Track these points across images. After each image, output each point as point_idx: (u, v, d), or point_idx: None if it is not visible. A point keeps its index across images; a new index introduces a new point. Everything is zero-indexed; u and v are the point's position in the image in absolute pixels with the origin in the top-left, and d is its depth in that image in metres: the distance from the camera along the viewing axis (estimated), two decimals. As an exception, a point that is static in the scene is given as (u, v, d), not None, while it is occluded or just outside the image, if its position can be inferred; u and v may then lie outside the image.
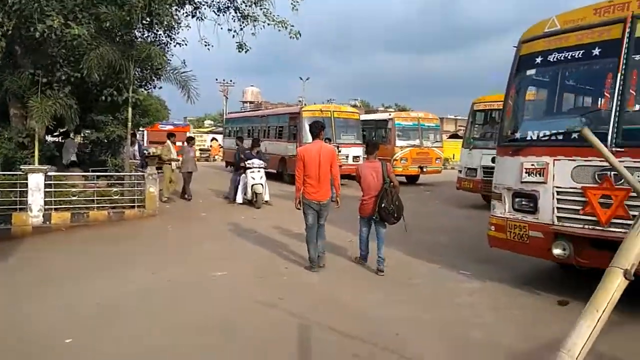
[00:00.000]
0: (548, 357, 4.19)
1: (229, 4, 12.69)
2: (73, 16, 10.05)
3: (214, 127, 58.19)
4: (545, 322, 4.97)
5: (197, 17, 12.93)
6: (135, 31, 11.66)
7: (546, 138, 5.55)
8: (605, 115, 5.10)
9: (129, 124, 11.95)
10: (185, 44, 13.14)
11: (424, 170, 19.76)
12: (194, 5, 12.76)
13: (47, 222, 9.77)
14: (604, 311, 1.61)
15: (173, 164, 13.77)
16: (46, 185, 9.84)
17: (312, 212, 6.75)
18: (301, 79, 58.67)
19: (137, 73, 12.10)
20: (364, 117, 22.29)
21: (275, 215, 11.38)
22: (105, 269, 6.87)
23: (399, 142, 19.47)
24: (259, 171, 12.87)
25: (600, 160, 4.86)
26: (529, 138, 5.75)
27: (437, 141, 20.83)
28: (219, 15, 12.74)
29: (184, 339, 4.51)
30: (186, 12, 12.79)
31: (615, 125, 4.85)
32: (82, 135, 18.42)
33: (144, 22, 11.25)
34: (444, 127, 33.40)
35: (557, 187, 5.32)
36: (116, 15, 10.29)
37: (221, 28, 12.80)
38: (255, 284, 6.26)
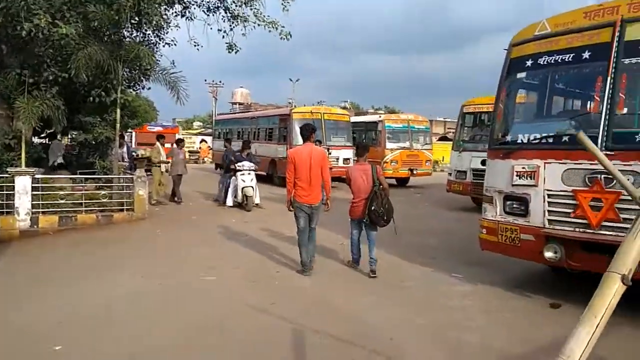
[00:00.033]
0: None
1: (219, 4, 12.64)
2: (61, 15, 9.94)
3: (203, 129, 57.93)
4: (537, 325, 4.98)
5: (187, 17, 12.87)
6: (124, 31, 11.55)
7: (537, 141, 5.57)
8: (595, 119, 5.14)
9: (118, 125, 11.83)
10: (175, 44, 13.08)
11: (414, 172, 19.79)
12: (184, 4, 12.68)
13: (35, 226, 9.63)
14: (602, 317, 1.60)
15: (162, 166, 13.66)
16: (33, 188, 9.69)
17: (304, 215, 6.73)
18: (291, 80, 58.86)
19: (125, 73, 11.99)
20: (354, 119, 22.32)
21: (266, 218, 11.33)
22: (94, 273, 6.77)
23: (389, 145, 19.51)
24: (249, 174, 12.81)
25: (591, 163, 4.90)
26: (519, 141, 5.78)
27: (427, 143, 20.90)
28: (208, 15, 12.70)
29: (174, 344, 4.45)
30: (175, 12, 12.73)
31: (606, 128, 4.88)
32: (70, 136, 18.21)
33: (133, 21, 11.16)
34: (433, 129, 33.46)
35: (547, 190, 5.34)
36: (105, 15, 10.19)
37: (211, 28, 12.75)
38: (247, 287, 6.21)
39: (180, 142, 14.86)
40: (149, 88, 13.89)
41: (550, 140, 5.47)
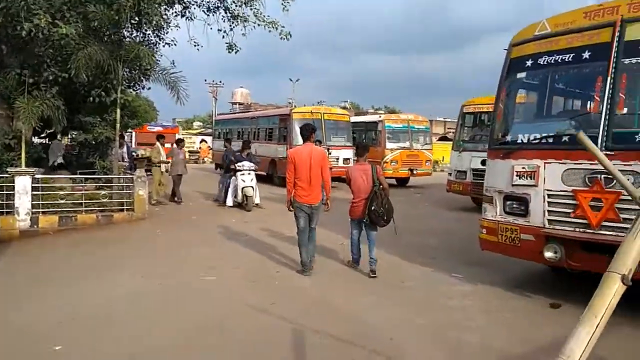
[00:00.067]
0: (541, 361, 4.24)
1: (219, 4, 12.64)
2: (60, 15, 9.94)
3: (203, 129, 57.92)
4: (537, 325, 4.98)
5: (187, 17, 12.87)
6: (124, 31, 11.55)
7: (537, 141, 5.57)
8: (595, 119, 5.14)
9: (118, 125, 11.83)
10: (175, 44, 13.08)
11: (414, 172, 19.79)
12: (184, 4, 12.68)
13: (35, 226, 9.63)
14: (602, 317, 1.60)
15: (162, 166, 13.66)
16: (33, 188, 9.69)
17: (304, 215, 6.73)
18: (291, 80, 58.78)
19: (125, 73, 11.99)
20: (354, 119, 22.32)
21: (266, 218, 11.33)
22: (94, 273, 6.78)
23: (389, 145, 19.51)
24: (249, 174, 12.80)
25: (591, 163, 4.90)
26: (519, 141, 5.78)
27: (427, 143, 20.90)
28: (208, 15, 12.70)
29: (174, 344, 4.45)
30: (175, 12, 12.73)
31: (606, 128, 4.88)
32: (70, 136, 18.21)
33: (133, 21, 11.16)
34: (433, 129, 33.48)
35: (547, 190, 5.34)
36: (104, 15, 10.19)
37: (211, 28, 12.75)
38: (247, 287, 6.21)
39: (180, 142, 14.87)
40: (149, 88, 13.91)
41: (550, 140, 5.47)
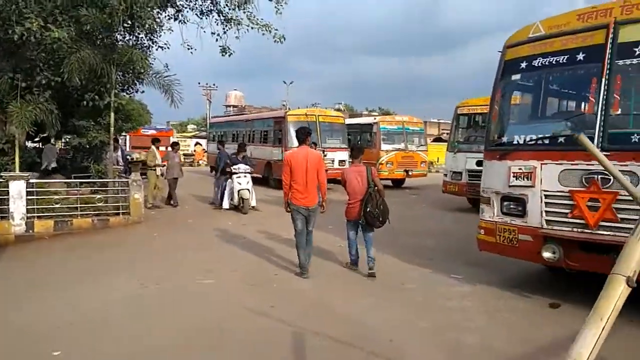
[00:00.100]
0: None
1: (212, 8, 12.64)
2: (52, 19, 9.92)
3: (197, 132, 57.80)
4: (537, 325, 5.00)
5: (180, 20, 12.86)
6: (117, 34, 11.51)
7: (533, 142, 5.59)
8: (590, 120, 5.18)
9: (112, 129, 11.78)
10: (168, 48, 13.02)
11: (410, 173, 19.86)
12: (176, 8, 12.67)
13: (30, 231, 9.58)
14: (608, 319, 1.60)
15: (158, 169, 13.62)
16: (28, 193, 9.65)
17: (301, 217, 6.74)
18: (285, 82, 58.53)
19: (119, 77, 11.97)
20: (349, 121, 22.34)
21: (262, 221, 11.31)
22: (91, 277, 6.75)
23: (384, 146, 19.56)
24: (245, 176, 12.78)
25: (587, 164, 4.93)
26: (515, 142, 5.80)
27: (421, 145, 20.97)
28: (201, 18, 12.70)
29: (174, 345, 4.45)
30: (168, 15, 12.72)
31: (601, 129, 4.92)
32: (63, 140, 18.10)
33: (126, 25, 11.12)
34: (427, 130, 33.54)
35: (544, 190, 5.36)
36: (97, 18, 10.16)
37: (204, 31, 12.74)
38: (245, 290, 6.19)
39: (175, 145, 14.83)
40: (143, 91, 13.87)
41: (547, 141, 5.49)
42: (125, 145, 25.81)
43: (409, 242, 9.11)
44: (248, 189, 12.70)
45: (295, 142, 7.48)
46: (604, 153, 4.68)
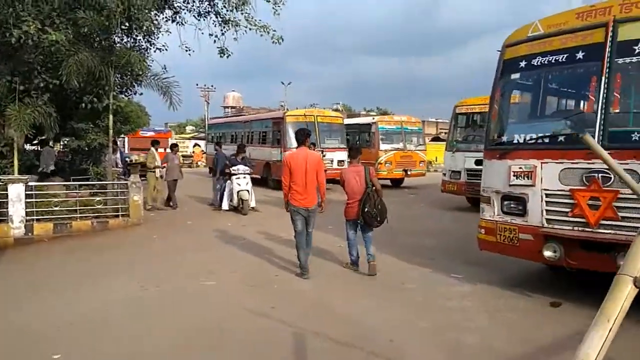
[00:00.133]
0: (543, 360, 4.24)
1: (210, 9, 12.59)
2: (50, 21, 9.89)
3: (196, 133, 57.75)
4: (537, 324, 4.99)
5: (177, 22, 12.81)
6: (115, 37, 11.46)
7: (533, 141, 5.59)
8: (590, 118, 5.17)
9: (110, 131, 11.76)
10: (166, 49, 12.98)
11: (408, 173, 19.87)
12: (174, 10, 12.63)
13: (30, 234, 9.55)
14: (615, 320, 1.59)
15: (157, 171, 13.60)
16: (27, 196, 9.62)
17: (300, 218, 6.75)
18: (283, 83, 58.59)
19: (117, 79, 11.93)
20: (347, 121, 22.35)
21: (262, 222, 11.29)
22: (90, 279, 6.72)
23: (382, 146, 19.56)
24: (244, 177, 12.76)
25: (588, 163, 4.93)
26: (515, 141, 5.80)
27: (420, 144, 20.98)
28: (199, 20, 12.64)
29: (174, 345, 4.44)
30: (166, 17, 12.66)
31: (601, 127, 4.91)
32: (62, 143, 18.08)
33: (123, 27, 11.07)
34: (425, 130, 33.54)
35: (545, 189, 5.36)
36: (95, 21, 10.13)
37: (202, 33, 12.70)
38: (245, 292, 6.18)
39: (174, 147, 14.82)
40: (141, 93, 13.84)
41: (547, 140, 5.49)
42: (124, 147, 25.80)
43: (409, 241, 9.11)
44: (247, 190, 12.69)
45: (294, 143, 7.48)
46: (605, 151, 4.69)
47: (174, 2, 12.51)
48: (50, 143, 15.07)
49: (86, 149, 12.71)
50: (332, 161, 17.81)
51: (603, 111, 4.93)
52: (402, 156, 19.64)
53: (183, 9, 12.69)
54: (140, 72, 11.78)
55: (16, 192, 9.47)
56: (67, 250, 8.79)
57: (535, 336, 4.69)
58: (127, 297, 5.90)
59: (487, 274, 6.73)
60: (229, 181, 13.00)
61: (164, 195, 14.05)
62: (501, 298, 5.82)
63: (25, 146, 13.07)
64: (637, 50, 4.76)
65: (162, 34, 12.74)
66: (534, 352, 4.39)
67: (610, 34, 4.94)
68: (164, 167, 13.72)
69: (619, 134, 4.93)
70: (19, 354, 4.37)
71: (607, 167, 1.89)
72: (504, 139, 6.04)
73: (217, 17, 12.51)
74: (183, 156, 33.41)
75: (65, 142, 17.01)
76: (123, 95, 13.57)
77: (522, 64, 5.83)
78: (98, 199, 10.81)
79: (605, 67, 4.94)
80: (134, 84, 12.89)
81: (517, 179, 5.60)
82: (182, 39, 12.90)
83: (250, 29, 12.20)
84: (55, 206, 10.11)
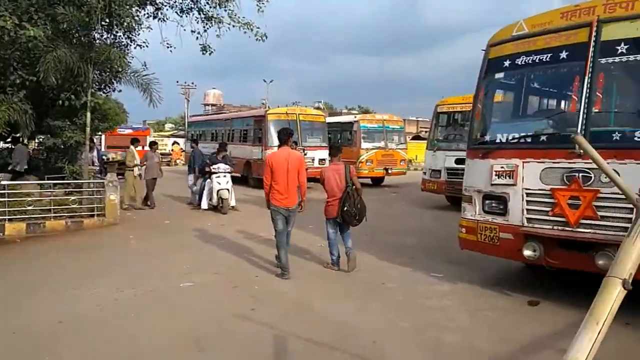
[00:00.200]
0: (525, 359, 4.25)
1: (192, 6, 12.41)
2: (28, 17, 9.66)
3: (175, 131, 57.19)
4: (517, 323, 5.02)
5: (159, 19, 12.60)
6: (94, 33, 11.26)
7: (515, 140, 5.62)
8: (573, 118, 5.20)
9: (88, 128, 11.52)
10: (147, 46, 12.79)
11: (389, 172, 19.92)
12: (156, 6, 12.42)
13: (1, 234, 9.28)
14: (604, 323, 1.57)
15: (136, 169, 13.36)
16: (-1, 195, 9.36)
17: (281, 218, 6.71)
18: (265, 81, 58.46)
19: (96, 76, 11.69)
20: (329, 119, 22.30)
21: (242, 221, 11.17)
22: (64, 282, 6.51)
23: (364, 145, 19.60)
24: (224, 176, 12.61)
25: (569, 162, 4.96)
26: (498, 141, 5.82)
27: (401, 143, 21.06)
28: (181, 16, 12.44)
29: (147, 355, 4.31)
30: (147, 13, 12.45)
31: (583, 127, 4.94)
32: (37, 141, 17.67)
33: (104, 23, 10.85)
34: (406, 128, 33.72)
35: (526, 189, 5.38)
36: (74, 17, 9.93)
37: (184, 30, 12.50)
38: (225, 294, 6.07)
39: (153, 145, 14.58)
40: (120, 90, 13.61)
41: (529, 139, 5.52)
42: (101, 145, 25.34)
43: (389, 240, 9.11)
44: (227, 189, 12.54)
45: (276, 141, 7.41)
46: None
47: (156, -1, 12.32)
48: (25, 141, 14.71)
49: (62, 146, 12.41)
50: (313, 160, 17.74)
51: (585, 111, 4.96)
52: (383, 155, 19.70)
53: (165, 5, 12.51)
54: (120, 69, 11.60)
55: (-12, 190, 9.19)
56: (41, 251, 8.54)
57: (515, 335, 4.70)
58: (102, 300, 5.72)
59: (467, 272, 6.75)
60: (208, 180, 12.85)
61: (142, 194, 13.81)
62: (481, 297, 5.83)
63: (-1, 144, 12.77)
64: (620, 50, 4.81)
65: (143, 31, 12.56)
66: (513, 350, 4.40)
67: (594, 33, 4.98)
68: (144, 165, 13.49)
69: (600, 133, 4.97)
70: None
71: (597, 167, 1.85)
72: (487, 138, 6.06)
73: (199, 14, 12.35)
74: (161, 154, 33.03)
75: (41, 139, 16.63)
76: (101, 92, 13.31)
77: (507, 63, 5.84)
78: (73, 198, 10.56)
79: (588, 67, 4.98)
80: (113, 80, 12.64)
81: (498, 178, 5.62)
82: (163, 36, 12.71)
83: (233, 26, 12.08)
84: (29, 205, 9.85)
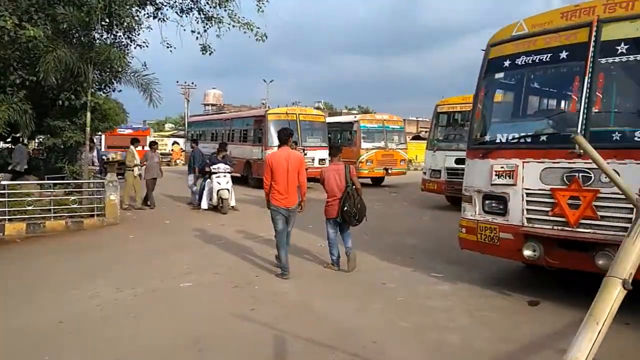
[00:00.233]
0: (525, 359, 4.25)
1: (192, 5, 12.38)
2: (28, 17, 9.66)
3: (175, 131, 57.18)
4: (517, 323, 5.02)
5: (159, 19, 12.59)
6: (94, 33, 11.25)
7: (515, 141, 5.62)
8: (573, 118, 5.20)
9: (88, 128, 11.51)
10: (147, 46, 12.75)
11: (389, 172, 19.93)
12: (156, 6, 12.40)
13: (1, 234, 9.28)
14: (604, 323, 1.57)
15: (136, 169, 13.35)
16: (-1, 195, 9.35)
17: (281, 218, 6.71)
18: (265, 81, 58.43)
19: (96, 76, 11.67)
20: (329, 119, 22.31)
21: (242, 221, 11.17)
22: (64, 282, 6.51)
23: (364, 145, 19.61)
24: (225, 176, 12.61)
25: (569, 162, 4.96)
26: (498, 141, 5.82)
27: (401, 143, 21.05)
28: (181, 16, 12.42)
29: (147, 355, 4.31)
30: (147, 13, 12.42)
31: (583, 127, 4.94)
32: (37, 141, 17.65)
33: (103, 23, 10.83)
34: (405, 128, 33.73)
35: (526, 189, 5.38)
36: (74, 17, 9.93)
37: (184, 30, 12.49)
38: (225, 294, 6.07)
39: (153, 144, 14.58)
40: (120, 90, 13.59)
41: (529, 139, 5.52)
42: (100, 145, 25.33)
43: (389, 240, 9.11)
44: (227, 189, 12.53)
45: (276, 141, 7.41)
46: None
47: (156, -1, 12.30)
48: (25, 141, 14.71)
49: (62, 146, 12.39)
50: (313, 160, 17.74)
51: (585, 111, 4.96)
52: (383, 155, 19.70)
53: (165, 5, 12.48)
54: (120, 69, 11.60)
55: (-12, 190, 9.19)
56: (41, 251, 8.54)
57: (515, 335, 4.70)
58: (102, 300, 5.73)
59: (467, 272, 6.76)
60: (208, 180, 12.85)
61: (142, 194, 13.80)
62: (481, 297, 5.83)
63: (-1, 144, 12.76)
64: (620, 50, 4.81)
65: (143, 31, 12.53)
66: (513, 350, 4.40)
67: (594, 33, 4.98)
68: (144, 165, 13.49)
69: (600, 133, 4.97)
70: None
71: (597, 167, 1.85)
72: (487, 138, 6.06)
73: (199, 14, 12.32)
74: (162, 154, 33.01)
75: (41, 139, 16.61)
76: (101, 92, 13.29)
77: (507, 63, 5.84)
78: (73, 198, 10.54)
79: (588, 67, 4.98)
80: (113, 80, 12.62)
81: (498, 178, 5.62)
82: (163, 36, 12.71)
83: (233, 26, 12.07)
84: (29, 205, 9.84)
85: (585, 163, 4.80)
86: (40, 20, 9.80)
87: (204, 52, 12.57)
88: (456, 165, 12.19)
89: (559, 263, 5.24)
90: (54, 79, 10.14)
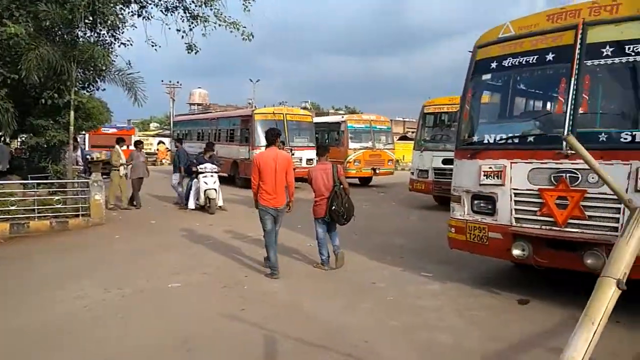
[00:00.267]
0: (515, 358, 4.28)
1: (178, 4, 12.26)
2: (9, 14, 9.50)
3: (160, 130, 56.70)
4: (506, 322, 5.06)
5: (144, 17, 12.45)
6: (78, 31, 11.10)
7: (503, 141, 5.66)
8: (559, 119, 5.26)
9: (71, 127, 11.37)
10: (131, 44, 12.60)
11: (377, 172, 19.99)
12: (140, 4, 12.27)
13: (-16, 234, 9.13)
14: (599, 323, 1.58)
15: (122, 169, 13.21)
16: (-19, 195, 9.19)
17: (270, 218, 6.71)
18: (251, 80, 58.05)
19: (79, 74, 11.53)
20: (317, 119, 22.30)
21: (230, 221, 11.11)
22: (51, 283, 6.42)
23: (351, 145, 19.65)
24: (212, 176, 12.54)
25: (556, 163, 5.02)
26: (486, 141, 5.86)
27: (388, 143, 21.12)
28: (166, 15, 12.30)
29: (135, 357, 4.26)
30: (132, 11, 12.27)
31: (570, 128, 5.00)
32: (19, 140, 17.39)
33: (87, 21, 10.72)
34: (393, 128, 33.75)
35: (514, 189, 5.43)
36: (57, 14, 9.78)
37: (169, 28, 12.36)
38: (214, 294, 6.03)
39: (138, 144, 14.41)
40: (104, 89, 13.41)
41: (516, 140, 5.57)
42: (84, 144, 25.02)
43: (378, 240, 9.13)
44: (215, 189, 12.47)
45: (263, 141, 7.39)
46: (571, 152, 4.79)
47: (141, -4, 12.17)
48: (7, 140, 14.46)
49: (45, 146, 12.21)
50: (300, 160, 17.72)
51: (572, 112, 5.03)
52: (371, 155, 19.76)
53: (150, 4, 12.34)
54: (104, 68, 11.49)
55: (-30, 191, 9.02)
56: (25, 252, 8.40)
57: (504, 334, 4.74)
58: (89, 301, 5.66)
59: (457, 272, 6.80)
60: (195, 180, 12.76)
61: (128, 194, 13.65)
62: (470, 296, 5.87)
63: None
64: (605, 53, 4.87)
65: (127, 29, 12.37)
66: (503, 349, 4.43)
67: (579, 36, 5.04)
68: (130, 165, 13.34)
69: (587, 134, 5.02)
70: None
71: (589, 167, 1.87)
72: (475, 139, 6.10)
73: (185, 13, 12.21)
74: (147, 154, 32.70)
75: (23, 138, 16.35)
76: (85, 91, 13.12)
77: (493, 64, 5.89)
78: (57, 198, 10.40)
79: (574, 69, 5.04)
80: (97, 79, 12.46)
81: (487, 178, 5.66)
82: (148, 34, 12.55)
83: (219, 25, 11.98)
84: (12, 205, 9.69)
85: (573, 163, 4.86)
86: (22, 17, 9.66)
87: (190, 51, 12.46)
88: (443, 166, 12.28)
89: (547, 262, 5.29)
90: (36, 77, 10.01)
